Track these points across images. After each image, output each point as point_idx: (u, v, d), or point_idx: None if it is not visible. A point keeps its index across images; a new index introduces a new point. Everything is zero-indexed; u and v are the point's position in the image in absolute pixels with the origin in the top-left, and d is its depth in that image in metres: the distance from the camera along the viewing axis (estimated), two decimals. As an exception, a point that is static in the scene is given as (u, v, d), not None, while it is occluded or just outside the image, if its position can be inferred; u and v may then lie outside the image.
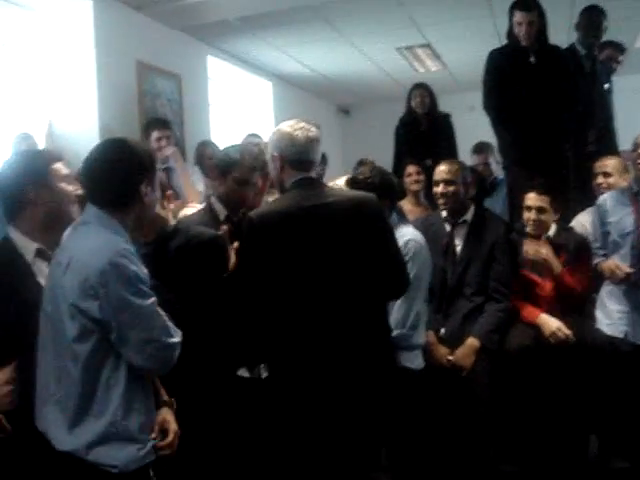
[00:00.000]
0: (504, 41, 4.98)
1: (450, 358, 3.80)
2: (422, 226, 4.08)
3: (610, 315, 3.82)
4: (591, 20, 5.22)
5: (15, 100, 5.40)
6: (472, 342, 3.82)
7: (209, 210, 3.40)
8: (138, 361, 2.11)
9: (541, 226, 4.01)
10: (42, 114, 5.54)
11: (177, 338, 2.19)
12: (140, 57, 6.02)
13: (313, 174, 3.06)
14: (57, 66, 5.55)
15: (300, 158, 2.99)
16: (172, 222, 3.08)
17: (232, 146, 3.52)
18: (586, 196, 4.59)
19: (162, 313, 2.17)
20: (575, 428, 3.93)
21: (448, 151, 5.81)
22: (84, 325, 2.06)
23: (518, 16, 4.67)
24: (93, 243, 2.11)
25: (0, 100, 5.30)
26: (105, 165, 2.22)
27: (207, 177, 5.09)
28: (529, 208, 4.02)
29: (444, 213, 4.11)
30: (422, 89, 6.29)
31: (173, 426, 2.34)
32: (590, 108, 5.02)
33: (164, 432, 2.31)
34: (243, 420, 3.05)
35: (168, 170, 5.18)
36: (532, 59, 4.70)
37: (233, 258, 2.95)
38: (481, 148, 6.07)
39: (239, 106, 8.36)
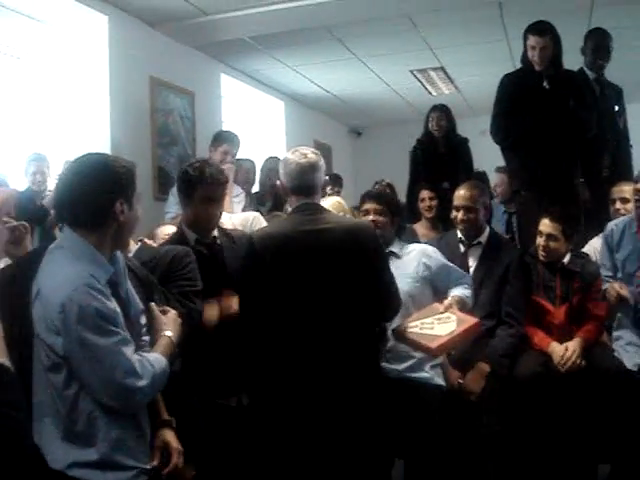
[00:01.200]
0: (518, 65, 4.96)
1: (460, 381, 3.75)
2: (436, 245, 4.06)
3: (622, 347, 3.76)
4: (598, 43, 5.20)
5: (28, 115, 5.40)
6: (482, 367, 3.77)
7: (180, 235, 3.28)
8: (101, 399, 2.04)
9: (550, 253, 3.95)
10: (54, 129, 5.54)
11: (144, 381, 2.08)
12: (154, 73, 6.05)
13: (317, 199, 3.14)
14: (70, 80, 5.56)
15: (296, 184, 3.09)
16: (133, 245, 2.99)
17: (189, 164, 3.32)
18: (601, 222, 4.55)
19: (130, 353, 2.07)
20: (584, 457, 3.87)
21: (465, 175, 5.76)
22: (52, 358, 2.02)
23: (532, 40, 4.64)
24: (58, 275, 2.03)
25: (13, 115, 5.30)
26: (76, 183, 2.12)
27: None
28: (540, 233, 3.99)
29: (459, 233, 4.07)
30: (439, 112, 6.22)
31: (175, 446, 2.30)
32: (602, 132, 4.98)
33: (167, 455, 2.27)
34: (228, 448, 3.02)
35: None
36: (545, 84, 4.66)
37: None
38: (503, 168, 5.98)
39: (251, 125, 8.36)
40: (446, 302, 3.52)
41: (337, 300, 2.97)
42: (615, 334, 3.90)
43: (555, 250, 3.94)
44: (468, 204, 3.97)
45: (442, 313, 3.45)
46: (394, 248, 3.76)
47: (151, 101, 6.02)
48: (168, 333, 2.35)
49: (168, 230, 3.65)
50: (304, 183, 3.06)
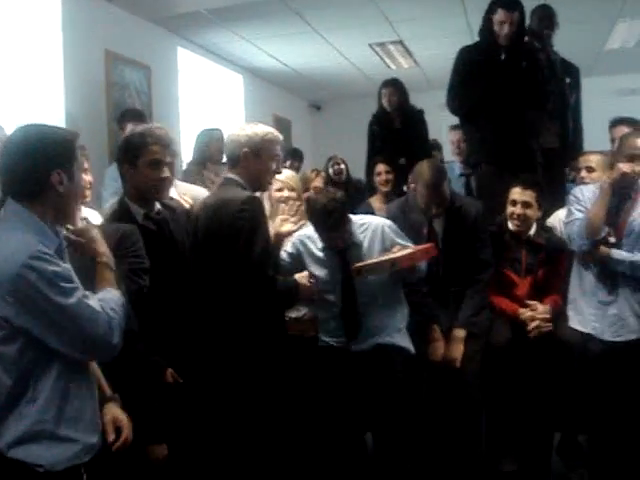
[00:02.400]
0: (477, 39, 4.94)
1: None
2: (399, 211, 4.10)
3: (581, 312, 3.81)
4: (543, 14, 5.23)
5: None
6: (457, 332, 3.84)
7: (124, 211, 3.10)
8: (76, 356, 2.04)
9: (526, 221, 3.98)
10: (8, 104, 5.43)
11: (115, 320, 2.08)
12: (109, 47, 5.94)
13: (234, 171, 3.27)
14: (23, 54, 5.43)
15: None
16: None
17: (131, 134, 3.19)
18: (554, 193, 4.59)
19: (93, 303, 2.05)
20: (542, 424, 3.96)
21: (422, 149, 5.75)
22: (6, 329, 1.96)
23: (501, 14, 4.59)
24: (5, 247, 1.97)
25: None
26: (13, 153, 2.08)
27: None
28: (514, 202, 3.99)
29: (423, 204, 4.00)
30: (391, 87, 6.17)
31: (125, 421, 2.30)
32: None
33: (118, 429, 2.27)
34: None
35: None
36: (503, 56, 4.66)
37: None
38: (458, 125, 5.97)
39: (209, 99, 8.27)
40: (396, 247, 3.59)
41: (206, 274, 3.12)
42: (571, 298, 3.94)
43: (530, 218, 3.98)
44: (433, 201, 3.92)
45: (395, 252, 3.54)
46: (354, 237, 3.69)
47: (106, 75, 5.92)
48: (103, 259, 2.28)
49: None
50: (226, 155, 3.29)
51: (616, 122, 4.90)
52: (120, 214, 3.09)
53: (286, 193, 4.02)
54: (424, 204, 3.94)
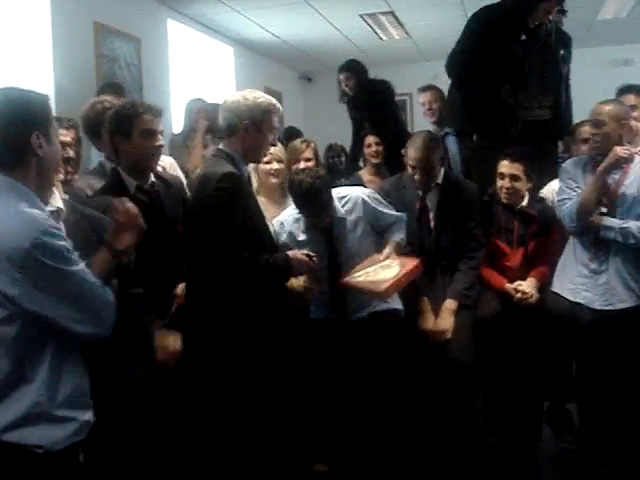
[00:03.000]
0: (469, 11, 4.89)
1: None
2: (393, 188, 4.11)
3: (572, 280, 3.83)
4: None
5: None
6: (449, 304, 3.88)
7: (116, 182, 3.12)
8: (77, 329, 2.03)
9: (515, 194, 3.99)
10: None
11: (112, 311, 2.11)
12: (98, 18, 5.87)
13: (226, 143, 3.24)
14: (11, 26, 5.37)
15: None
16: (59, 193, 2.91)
17: (121, 106, 3.21)
18: (547, 165, 4.58)
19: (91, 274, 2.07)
20: (531, 393, 4.01)
21: (394, 120, 5.73)
22: (7, 310, 1.95)
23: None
24: (12, 221, 1.94)
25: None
26: None
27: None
28: (502, 175, 4.00)
29: (416, 177, 4.02)
30: (345, 72, 6.20)
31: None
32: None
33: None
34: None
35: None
36: (523, 36, 4.61)
37: None
38: (430, 87, 5.94)
39: (200, 71, 8.21)
40: (385, 251, 3.64)
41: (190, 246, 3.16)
42: (559, 268, 3.95)
43: (519, 190, 3.99)
44: (424, 165, 3.93)
45: (383, 261, 3.58)
46: (338, 213, 3.72)
47: (96, 47, 5.85)
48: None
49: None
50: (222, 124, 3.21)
51: (624, 90, 4.90)
52: (113, 186, 3.09)
53: (275, 165, 4.02)
54: (414, 169, 3.95)
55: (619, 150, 3.61)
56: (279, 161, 4.04)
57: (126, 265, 2.48)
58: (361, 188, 3.91)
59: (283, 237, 3.73)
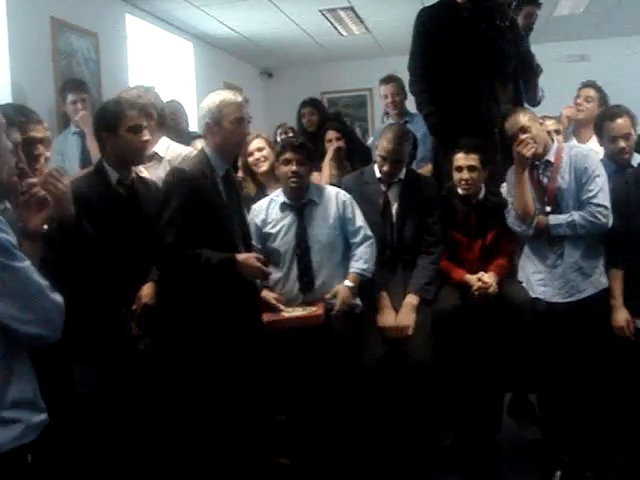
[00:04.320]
0: (427, 4, 4.89)
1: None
2: (355, 183, 4.13)
3: (528, 277, 3.88)
4: None
5: None
6: (410, 299, 3.89)
7: (98, 172, 3.28)
8: (25, 329, 1.97)
9: (474, 185, 4.03)
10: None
11: (60, 298, 2.06)
12: (54, 14, 5.80)
13: (205, 144, 3.45)
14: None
15: None
16: None
17: (107, 102, 3.45)
18: (508, 159, 4.62)
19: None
20: (494, 386, 4.05)
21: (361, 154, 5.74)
22: None
23: None
24: None
25: None
26: None
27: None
28: (460, 168, 4.03)
29: (377, 172, 4.08)
30: (307, 107, 6.15)
31: None
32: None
33: None
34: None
35: (82, 135, 5.06)
36: (465, 14, 4.58)
37: None
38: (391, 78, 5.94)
39: (160, 67, 8.14)
40: (337, 288, 3.77)
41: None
42: (520, 264, 4.01)
43: (477, 181, 4.03)
44: (394, 157, 3.97)
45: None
46: (313, 196, 3.87)
47: (53, 43, 5.77)
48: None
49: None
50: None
51: (586, 84, 5.08)
52: (95, 175, 3.28)
53: (256, 155, 4.41)
54: (383, 160, 3.98)
55: (518, 148, 3.73)
56: (260, 150, 4.39)
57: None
58: (343, 191, 3.98)
59: (257, 220, 3.86)
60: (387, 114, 5.83)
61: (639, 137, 4.39)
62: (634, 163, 4.10)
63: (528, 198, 3.76)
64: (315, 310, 3.65)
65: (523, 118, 3.83)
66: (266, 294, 3.70)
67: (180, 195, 3.19)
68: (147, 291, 3.24)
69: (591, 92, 5.06)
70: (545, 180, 3.81)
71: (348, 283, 3.76)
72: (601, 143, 4.23)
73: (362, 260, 3.82)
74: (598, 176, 3.71)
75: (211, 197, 3.28)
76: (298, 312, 3.66)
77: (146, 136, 3.27)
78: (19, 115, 2.80)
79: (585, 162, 3.74)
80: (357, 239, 3.86)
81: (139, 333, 3.13)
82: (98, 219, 3.05)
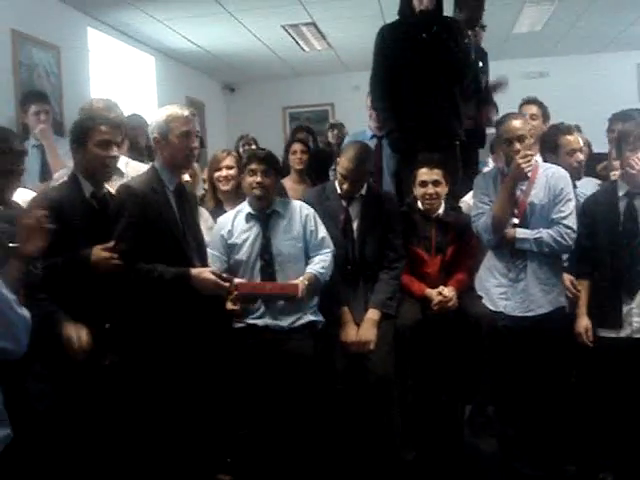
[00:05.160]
0: (389, 21, 4.95)
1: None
2: (317, 198, 4.15)
3: (489, 291, 3.93)
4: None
5: None
6: (372, 314, 3.90)
7: (73, 183, 3.27)
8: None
9: (438, 199, 4.08)
10: None
11: (27, 313, 2.07)
12: (15, 26, 5.77)
13: (156, 160, 3.46)
14: None
15: None
16: None
17: (81, 115, 3.52)
18: (468, 174, 4.68)
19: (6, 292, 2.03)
20: (454, 398, 4.10)
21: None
22: None
23: None
24: None
25: None
26: None
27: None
28: (424, 183, 4.07)
29: (338, 188, 4.10)
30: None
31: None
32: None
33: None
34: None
35: (42, 148, 5.04)
36: (424, 35, 4.61)
37: None
38: None
39: (121, 81, 8.11)
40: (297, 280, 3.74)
41: None
42: (479, 277, 4.06)
43: (440, 195, 4.09)
44: (354, 176, 3.99)
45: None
46: (277, 207, 3.89)
47: (13, 56, 5.74)
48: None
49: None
50: None
51: (527, 102, 5.09)
52: (69, 186, 3.27)
53: (224, 172, 4.43)
54: (344, 178, 4.00)
55: (521, 161, 3.73)
56: (229, 168, 4.40)
57: (34, 272, 2.46)
58: (306, 204, 4.01)
59: (223, 232, 3.87)
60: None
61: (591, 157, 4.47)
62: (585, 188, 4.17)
63: (508, 208, 3.80)
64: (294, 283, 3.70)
65: (522, 126, 3.85)
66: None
67: (129, 211, 3.19)
68: None
69: (534, 109, 4.98)
70: (518, 192, 3.83)
71: (303, 279, 3.75)
72: (548, 158, 4.20)
73: (319, 265, 3.82)
74: (571, 200, 3.79)
75: (162, 212, 3.28)
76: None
77: (114, 152, 3.25)
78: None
79: (562, 183, 3.80)
80: (318, 249, 3.89)
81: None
82: (71, 230, 3.03)
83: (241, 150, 6.34)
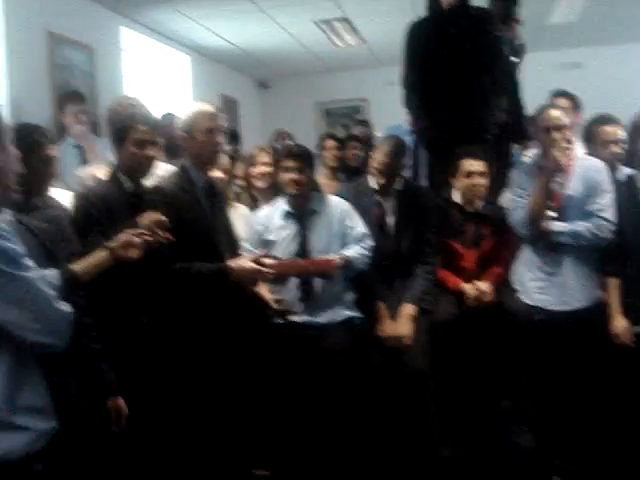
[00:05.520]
0: (420, 14, 4.91)
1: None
2: (352, 194, 4.15)
3: (525, 285, 3.89)
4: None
5: None
6: (407, 309, 3.88)
7: (114, 180, 3.26)
8: (32, 338, 1.98)
9: (484, 190, 4.07)
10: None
11: (68, 308, 2.07)
12: (51, 28, 5.83)
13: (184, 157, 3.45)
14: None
15: None
16: None
17: (120, 112, 3.35)
18: (502, 169, 4.64)
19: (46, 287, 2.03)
20: (490, 394, 4.05)
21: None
22: None
23: None
24: None
25: None
26: None
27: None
28: (470, 174, 4.05)
29: (373, 183, 4.10)
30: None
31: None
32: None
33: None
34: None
35: (81, 149, 5.09)
36: (453, 30, 4.57)
37: None
38: None
39: (156, 80, 8.17)
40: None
41: None
42: (515, 270, 4.02)
43: (485, 187, 4.06)
44: (389, 171, 4.01)
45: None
46: (314, 205, 3.87)
47: (49, 57, 5.81)
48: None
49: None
50: None
51: (557, 94, 5.01)
52: (111, 183, 3.25)
53: (261, 169, 4.49)
54: (379, 173, 3.99)
55: (558, 155, 3.68)
56: (264, 164, 4.43)
57: None
58: (343, 200, 4.00)
59: (259, 227, 3.90)
60: None
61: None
62: (622, 175, 4.10)
63: (544, 202, 3.75)
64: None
65: (563, 116, 3.80)
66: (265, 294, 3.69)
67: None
68: None
69: (563, 101, 4.85)
70: (554, 185, 3.78)
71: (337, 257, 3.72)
72: (588, 149, 4.16)
73: (354, 250, 3.80)
74: (609, 192, 3.72)
75: (192, 211, 3.28)
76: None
77: (151, 152, 3.24)
78: (39, 134, 2.84)
79: (599, 175, 3.74)
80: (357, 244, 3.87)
81: None
82: (115, 226, 3.04)
83: (277, 145, 6.33)
